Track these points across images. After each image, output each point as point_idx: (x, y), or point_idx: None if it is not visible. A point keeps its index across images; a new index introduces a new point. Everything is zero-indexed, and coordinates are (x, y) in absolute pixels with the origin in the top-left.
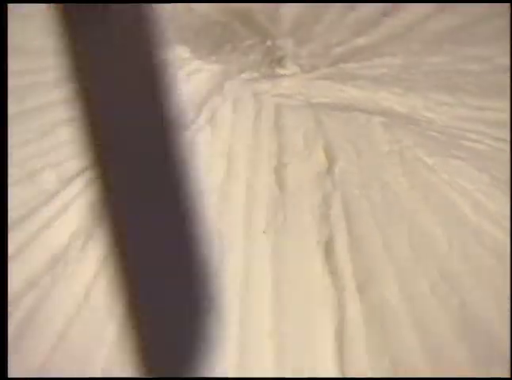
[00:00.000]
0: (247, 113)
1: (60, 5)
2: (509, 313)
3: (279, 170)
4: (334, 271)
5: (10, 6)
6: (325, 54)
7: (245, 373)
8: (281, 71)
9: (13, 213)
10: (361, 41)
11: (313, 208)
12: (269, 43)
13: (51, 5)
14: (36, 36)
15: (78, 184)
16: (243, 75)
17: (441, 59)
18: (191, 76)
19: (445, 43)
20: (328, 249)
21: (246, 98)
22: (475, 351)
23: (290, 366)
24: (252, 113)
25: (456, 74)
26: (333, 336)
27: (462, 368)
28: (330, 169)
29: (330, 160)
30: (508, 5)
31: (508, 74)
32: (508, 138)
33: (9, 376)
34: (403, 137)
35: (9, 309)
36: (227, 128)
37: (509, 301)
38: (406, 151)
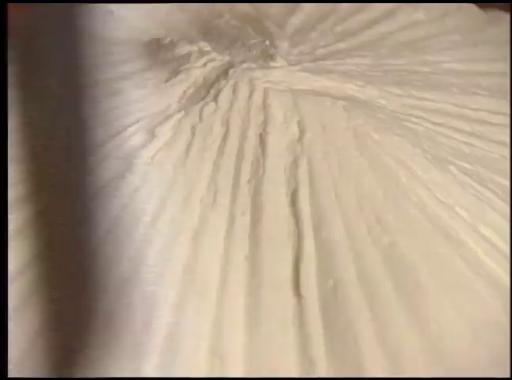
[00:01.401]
0: (243, 94)
1: None
2: None
3: (263, 137)
4: (296, 214)
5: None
6: (311, 53)
7: (224, 291)
8: (273, 64)
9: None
10: (341, 45)
11: (285, 167)
12: (267, 43)
13: None
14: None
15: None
16: (244, 65)
17: (399, 62)
18: (207, 64)
19: (407, 51)
20: (293, 198)
21: (243, 82)
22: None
23: (262, 277)
24: (246, 94)
25: (410, 73)
26: (292, 261)
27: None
28: (300, 139)
29: (301, 132)
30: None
31: (452, 76)
32: (443, 122)
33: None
34: (358, 117)
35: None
36: (227, 104)
37: None
38: (359, 128)
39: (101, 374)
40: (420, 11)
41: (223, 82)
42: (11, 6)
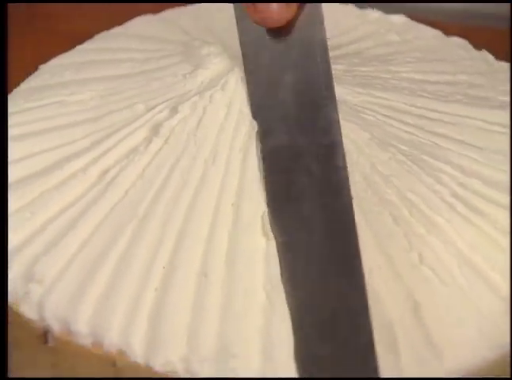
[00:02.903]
0: (243, 84)
1: None
2: None
3: None
4: None
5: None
6: None
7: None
8: None
9: (114, 127)
10: None
11: None
12: None
13: None
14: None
15: (152, 113)
16: None
17: (367, 69)
18: (221, 61)
19: (376, 62)
20: None
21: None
22: None
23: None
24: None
25: (374, 78)
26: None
27: None
28: None
29: None
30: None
31: (406, 82)
32: (392, 115)
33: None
34: None
35: (98, 177)
36: (231, 91)
37: None
38: None
39: None
40: (395, 34)
41: (230, 75)
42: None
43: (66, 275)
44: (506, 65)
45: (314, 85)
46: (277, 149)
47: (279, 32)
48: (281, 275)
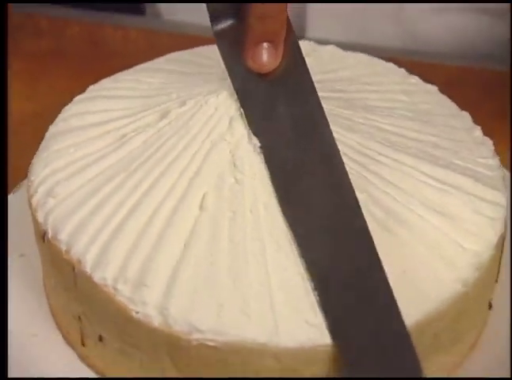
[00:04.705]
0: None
1: None
2: None
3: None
4: None
5: None
6: None
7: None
8: None
9: (149, 105)
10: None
11: None
12: None
13: None
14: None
15: (171, 102)
16: None
17: (346, 112)
18: (222, 81)
19: (357, 108)
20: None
21: None
22: None
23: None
24: None
25: (346, 119)
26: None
27: None
28: None
29: None
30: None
31: (374, 129)
32: (343, 150)
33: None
34: None
35: (119, 138)
36: (222, 100)
37: None
38: None
39: None
40: (405, 95)
41: (219, 91)
42: None
43: (73, 196)
44: (486, 139)
45: (310, 117)
46: (281, 160)
47: (268, 74)
48: (298, 244)
